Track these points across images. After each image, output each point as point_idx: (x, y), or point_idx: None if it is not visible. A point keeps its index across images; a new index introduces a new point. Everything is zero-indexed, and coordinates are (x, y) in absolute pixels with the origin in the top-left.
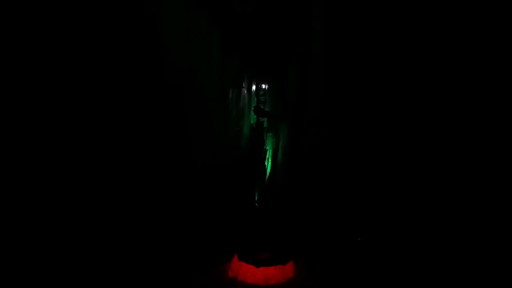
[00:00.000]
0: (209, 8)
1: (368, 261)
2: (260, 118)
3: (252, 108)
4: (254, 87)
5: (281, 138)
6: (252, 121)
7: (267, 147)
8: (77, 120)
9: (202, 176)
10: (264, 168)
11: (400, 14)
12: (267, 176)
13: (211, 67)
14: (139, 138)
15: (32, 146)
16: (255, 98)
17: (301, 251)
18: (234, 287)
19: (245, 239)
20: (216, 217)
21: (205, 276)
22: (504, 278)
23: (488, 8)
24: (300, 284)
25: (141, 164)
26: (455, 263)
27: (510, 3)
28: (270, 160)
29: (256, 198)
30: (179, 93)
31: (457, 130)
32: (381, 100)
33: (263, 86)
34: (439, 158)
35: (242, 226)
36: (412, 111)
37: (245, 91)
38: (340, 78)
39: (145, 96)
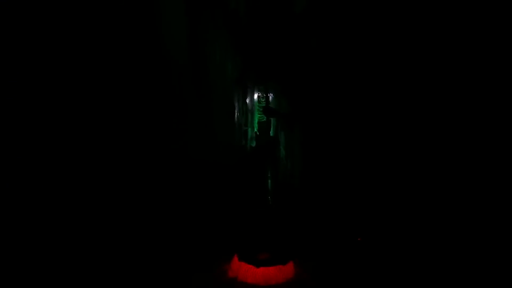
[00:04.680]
0: (212, 7)
1: (368, 261)
2: (271, 118)
3: (261, 109)
4: (258, 89)
5: (292, 137)
6: (259, 120)
7: (281, 146)
8: (80, 120)
9: (205, 176)
10: (277, 167)
11: (399, 14)
12: (281, 176)
13: (217, 66)
14: (143, 137)
15: (32, 145)
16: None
17: (301, 251)
18: (234, 287)
19: (245, 239)
20: (216, 217)
21: (205, 276)
22: (504, 278)
23: (488, 8)
24: (300, 284)
25: (144, 163)
26: (456, 263)
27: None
28: (284, 159)
29: (269, 196)
30: (184, 93)
31: (457, 130)
32: (389, 99)
33: (263, 93)
34: (439, 157)
35: (242, 226)
36: (414, 110)
37: (251, 91)
38: (348, 76)
39: (150, 95)
